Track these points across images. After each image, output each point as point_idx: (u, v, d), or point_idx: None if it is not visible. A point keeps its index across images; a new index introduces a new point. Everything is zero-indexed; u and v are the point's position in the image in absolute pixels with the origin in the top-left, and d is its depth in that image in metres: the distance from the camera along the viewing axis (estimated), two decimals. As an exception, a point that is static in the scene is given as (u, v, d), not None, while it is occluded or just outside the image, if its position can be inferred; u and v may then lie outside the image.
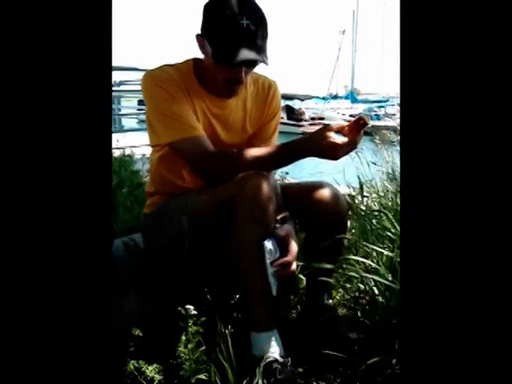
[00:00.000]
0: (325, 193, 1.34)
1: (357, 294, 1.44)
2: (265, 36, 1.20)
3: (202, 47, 1.27)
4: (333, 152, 1.21)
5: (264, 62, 1.20)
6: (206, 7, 1.22)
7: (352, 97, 32.34)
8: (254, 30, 1.16)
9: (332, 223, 1.33)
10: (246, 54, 1.15)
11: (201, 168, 1.30)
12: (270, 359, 1.10)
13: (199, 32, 1.26)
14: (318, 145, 1.21)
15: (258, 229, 1.12)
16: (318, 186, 1.37)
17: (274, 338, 1.14)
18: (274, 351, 1.12)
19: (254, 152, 1.26)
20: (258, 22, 1.18)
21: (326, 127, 1.23)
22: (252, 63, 1.23)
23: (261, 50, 1.19)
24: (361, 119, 1.22)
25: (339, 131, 1.22)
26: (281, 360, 1.11)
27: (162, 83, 1.27)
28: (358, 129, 1.21)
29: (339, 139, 1.20)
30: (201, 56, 1.32)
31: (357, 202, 2.04)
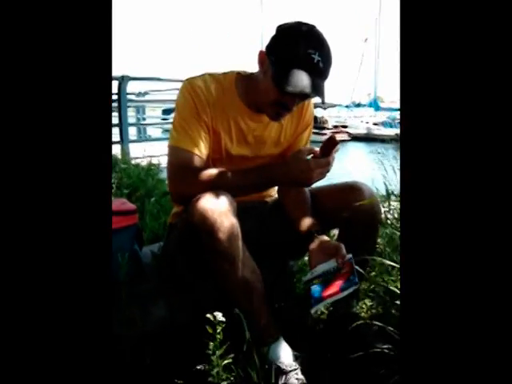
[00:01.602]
0: (360, 192, 1.34)
1: (384, 303, 1.43)
2: (327, 76, 1.23)
3: (261, 64, 1.27)
4: (306, 175, 1.20)
5: (321, 98, 1.23)
6: (280, 30, 1.24)
7: (375, 105, 32.15)
8: (322, 68, 1.19)
9: (367, 223, 1.33)
10: (307, 86, 1.17)
11: (169, 179, 1.29)
12: (278, 367, 1.13)
13: (264, 50, 1.26)
14: (292, 168, 1.21)
15: (216, 256, 1.11)
16: (353, 185, 1.37)
17: (278, 347, 1.16)
18: (282, 360, 1.14)
19: (226, 173, 1.23)
20: (327, 61, 1.21)
21: (298, 152, 1.25)
22: (306, 96, 1.25)
23: (320, 87, 1.21)
24: (331, 139, 1.21)
25: (312, 154, 1.22)
26: (288, 368, 1.13)
27: (193, 93, 1.29)
28: (329, 149, 1.20)
29: (313, 162, 1.19)
30: (224, 69, 1.38)
31: (384, 209, 2.02)
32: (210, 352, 1.02)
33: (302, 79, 1.17)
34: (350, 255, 1.24)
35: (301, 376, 1.13)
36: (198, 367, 1.04)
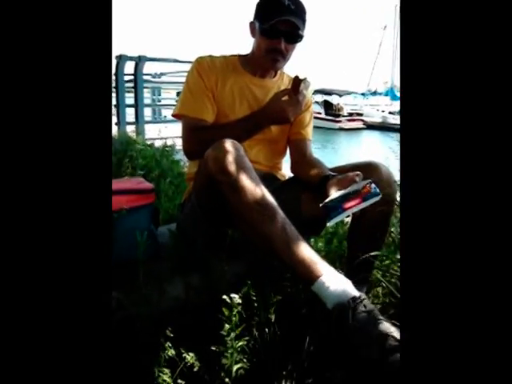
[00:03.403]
0: (378, 169, 1.38)
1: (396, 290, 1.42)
2: (302, 15, 1.46)
3: (252, 31, 1.54)
4: (282, 114, 1.39)
5: (299, 29, 1.44)
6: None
7: (392, 93, 31.81)
8: (294, 9, 1.42)
9: (383, 200, 1.31)
10: (284, 20, 1.41)
11: (184, 145, 1.49)
12: (340, 305, 1.02)
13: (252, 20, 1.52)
14: (270, 110, 1.41)
15: (234, 190, 1.13)
16: (370, 163, 1.42)
17: (329, 279, 1.05)
18: (336, 291, 1.04)
19: (222, 124, 1.48)
20: (298, 6, 1.44)
21: (274, 95, 1.43)
22: (290, 37, 1.46)
23: (297, 24, 1.42)
24: (295, 78, 1.40)
25: (286, 95, 1.40)
26: (351, 302, 1.01)
27: (200, 68, 1.52)
28: (297, 87, 1.39)
29: (285, 102, 1.39)
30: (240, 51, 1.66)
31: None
32: (225, 334, 1.02)
33: (278, 16, 1.41)
34: (370, 180, 1.23)
35: (371, 306, 1.02)
36: (213, 348, 1.04)
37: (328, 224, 1.24)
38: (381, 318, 0.99)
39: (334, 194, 1.26)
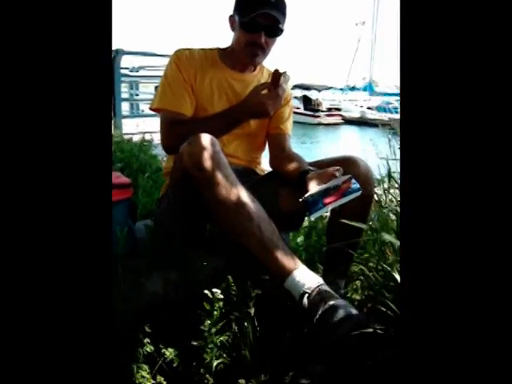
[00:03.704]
0: (356, 164, 1.38)
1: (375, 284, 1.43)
2: (282, 9, 1.43)
3: (231, 25, 1.52)
4: (261, 108, 1.36)
5: (280, 22, 1.42)
6: None
7: (370, 89, 32.08)
8: (274, 2, 1.39)
9: (361, 195, 1.33)
10: (265, 14, 1.38)
11: (163, 139, 1.46)
12: (303, 294, 1.06)
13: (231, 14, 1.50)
14: (249, 104, 1.37)
15: (209, 186, 1.13)
16: (349, 158, 1.42)
17: (298, 275, 1.09)
18: (305, 286, 1.07)
19: (201, 118, 1.46)
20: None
21: (254, 89, 1.39)
22: (270, 30, 1.44)
23: (278, 18, 1.40)
24: (275, 72, 1.37)
25: (265, 89, 1.37)
26: (309, 290, 1.06)
27: (178, 61, 1.49)
28: (277, 81, 1.36)
29: (265, 95, 1.35)
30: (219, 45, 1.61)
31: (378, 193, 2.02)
32: (206, 329, 1.01)
33: (258, 10, 1.38)
34: (350, 175, 1.24)
35: (334, 295, 1.06)
36: (194, 343, 1.03)
37: (309, 218, 1.24)
38: (341, 304, 1.02)
39: (314, 188, 1.26)
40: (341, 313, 1.00)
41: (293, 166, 1.47)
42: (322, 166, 1.37)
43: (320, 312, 1.01)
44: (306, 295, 1.05)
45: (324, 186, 1.24)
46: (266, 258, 1.11)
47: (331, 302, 1.02)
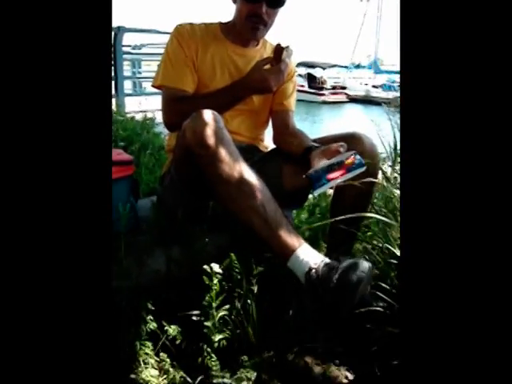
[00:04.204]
0: (361, 140, 1.36)
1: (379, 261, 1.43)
2: None
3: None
4: (264, 83, 1.33)
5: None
6: None
7: (375, 67, 31.69)
8: None
9: (367, 172, 1.29)
10: None
11: (164, 116, 1.44)
12: (307, 271, 1.05)
13: None
14: (252, 80, 1.35)
15: (212, 163, 1.11)
16: (353, 134, 1.40)
17: (302, 254, 1.08)
18: (310, 262, 1.06)
19: (203, 94, 1.44)
20: None
21: (256, 64, 1.37)
22: (272, 1, 1.39)
23: None
24: (277, 46, 1.37)
25: (267, 64, 1.36)
26: (315, 266, 1.05)
27: (180, 36, 1.46)
28: (279, 56, 1.35)
29: (267, 71, 1.34)
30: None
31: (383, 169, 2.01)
32: (206, 303, 1.01)
33: None
34: (354, 151, 1.23)
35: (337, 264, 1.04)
36: (194, 318, 1.03)
37: (312, 194, 1.23)
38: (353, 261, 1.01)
39: (318, 164, 1.24)
40: (360, 267, 0.99)
41: (296, 142, 1.45)
42: (327, 143, 1.35)
43: (337, 276, 0.99)
44: (314, 270, 1.04)
45: (328, 162, 1.22)
46: (268, 236, 1.09)
47: (344, 264, 1.01)
